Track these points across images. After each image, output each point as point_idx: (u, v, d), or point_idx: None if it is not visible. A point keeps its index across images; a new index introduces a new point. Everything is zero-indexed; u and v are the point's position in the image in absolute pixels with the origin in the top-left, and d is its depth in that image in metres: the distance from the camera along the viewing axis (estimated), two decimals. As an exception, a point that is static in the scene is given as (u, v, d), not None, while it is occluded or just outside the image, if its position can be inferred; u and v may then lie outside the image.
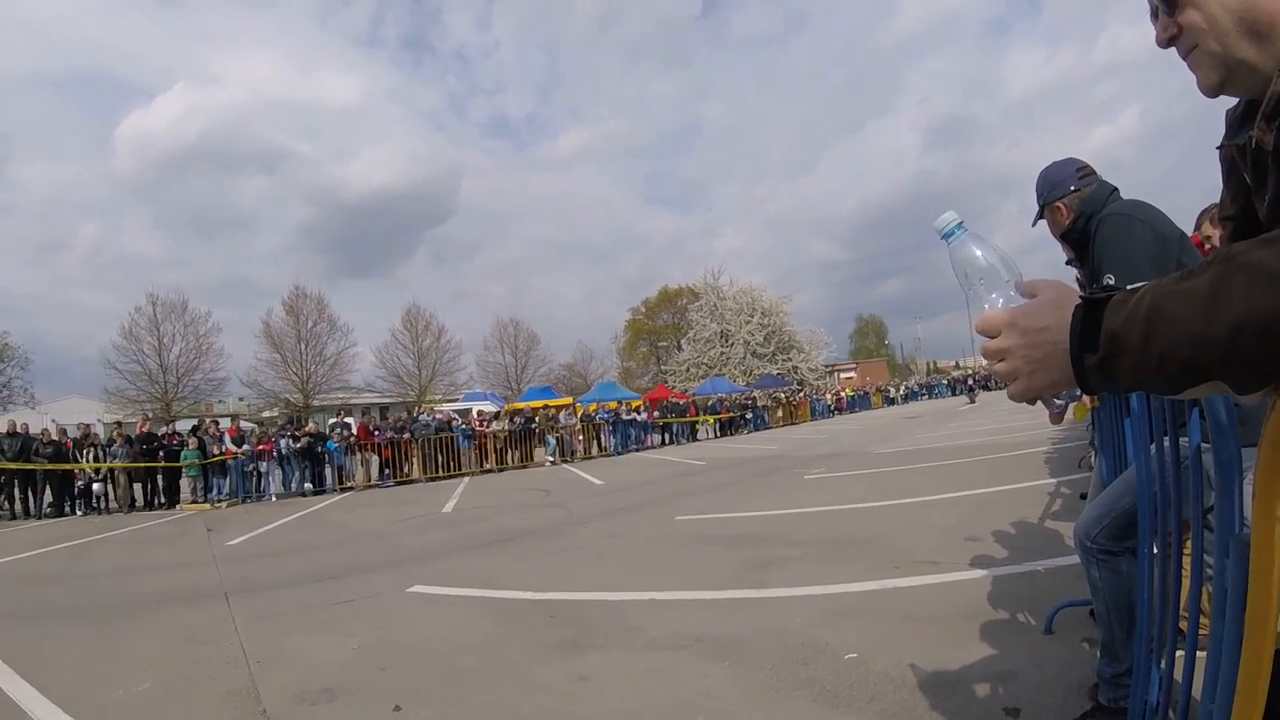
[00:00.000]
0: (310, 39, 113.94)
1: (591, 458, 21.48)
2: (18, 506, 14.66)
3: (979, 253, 0.96)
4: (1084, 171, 2.61)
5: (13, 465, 14.34)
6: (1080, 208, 2.57)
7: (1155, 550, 1.83)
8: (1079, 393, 0.86)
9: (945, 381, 54.99)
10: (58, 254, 71.76)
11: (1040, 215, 2.73)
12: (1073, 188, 2.60)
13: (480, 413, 22.18)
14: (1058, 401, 1.00)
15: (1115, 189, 2.57)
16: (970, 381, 47.61)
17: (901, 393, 49.34)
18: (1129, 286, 0.80)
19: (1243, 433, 1.34)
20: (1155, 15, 0.96)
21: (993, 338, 0.89)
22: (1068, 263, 3.05)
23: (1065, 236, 2.67)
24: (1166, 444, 1.64)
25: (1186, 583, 1.83)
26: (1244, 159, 0.95)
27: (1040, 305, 0.86)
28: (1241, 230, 1.04)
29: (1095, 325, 0.78)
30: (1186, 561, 1.88)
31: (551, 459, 20.42)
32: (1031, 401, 0.93)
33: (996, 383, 0.93)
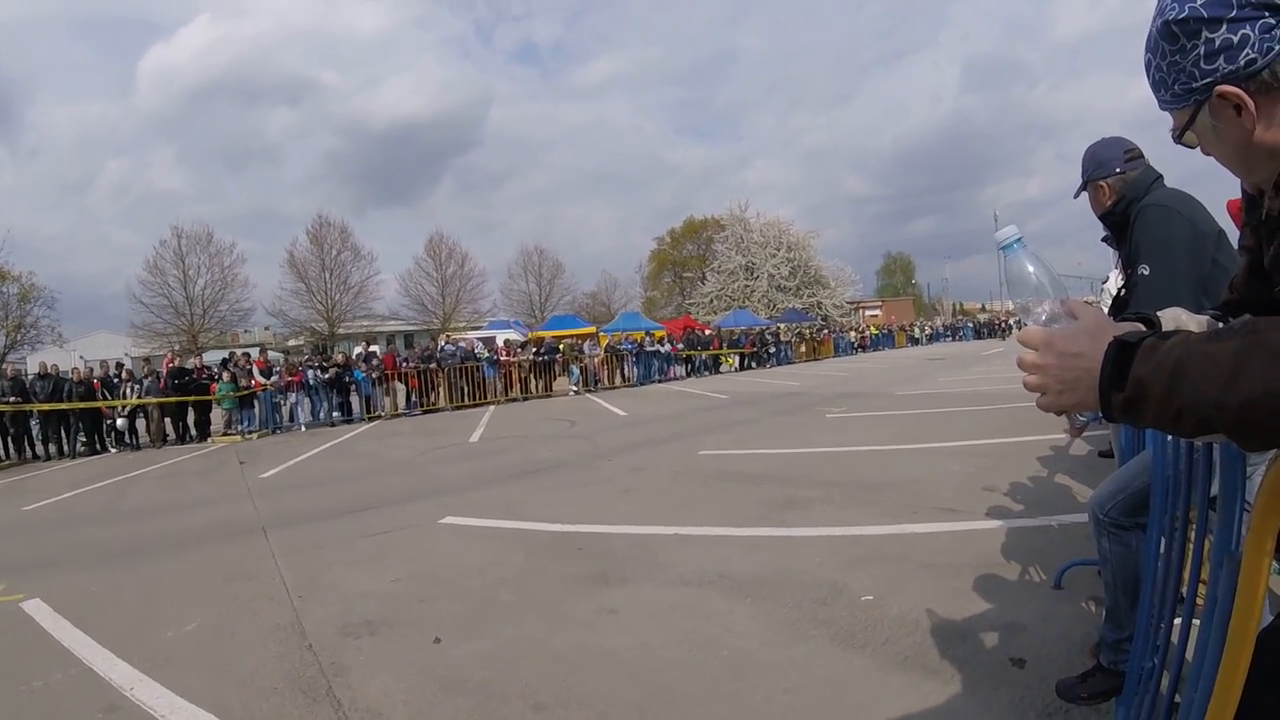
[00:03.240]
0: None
1: (615, 388, 21.75)
2: (52, 447, 14.93)
3: (1031, 269, 1.04)
4: (1131, 154, 2.63)
5: (46, 406, 14.57)
6: (1123, 190, 2.60)
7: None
8: (1100, 415, 0.96)
9: (971, 324, 54.41)
10: (84, 193, 72.43)
11: (1082, 189, 2.76)
12: (1118, 170, 2.62)
13: (509, 341, 22.45)
14: (1080, 418, 1.10)
15: (1159, 176, 2.59)
16: (1004, 324, 47.31)
17: (926, 333, 48.97)
18: (1163, 331, 0.90)
19: None
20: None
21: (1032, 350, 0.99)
22: (1103, 239, 3.08)
23: (1105, 217, 2.70)
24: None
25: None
26: (1260, 226, 1.04)
27: (1078, 331, 0.95)
28: (1256, 261, 1.13)
29: (1125, 366, 0.87)
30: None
31: (575, 389, 20.71)
32: (1058, 414, 1.03)
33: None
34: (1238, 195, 1.16)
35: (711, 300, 51.74)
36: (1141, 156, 2.64)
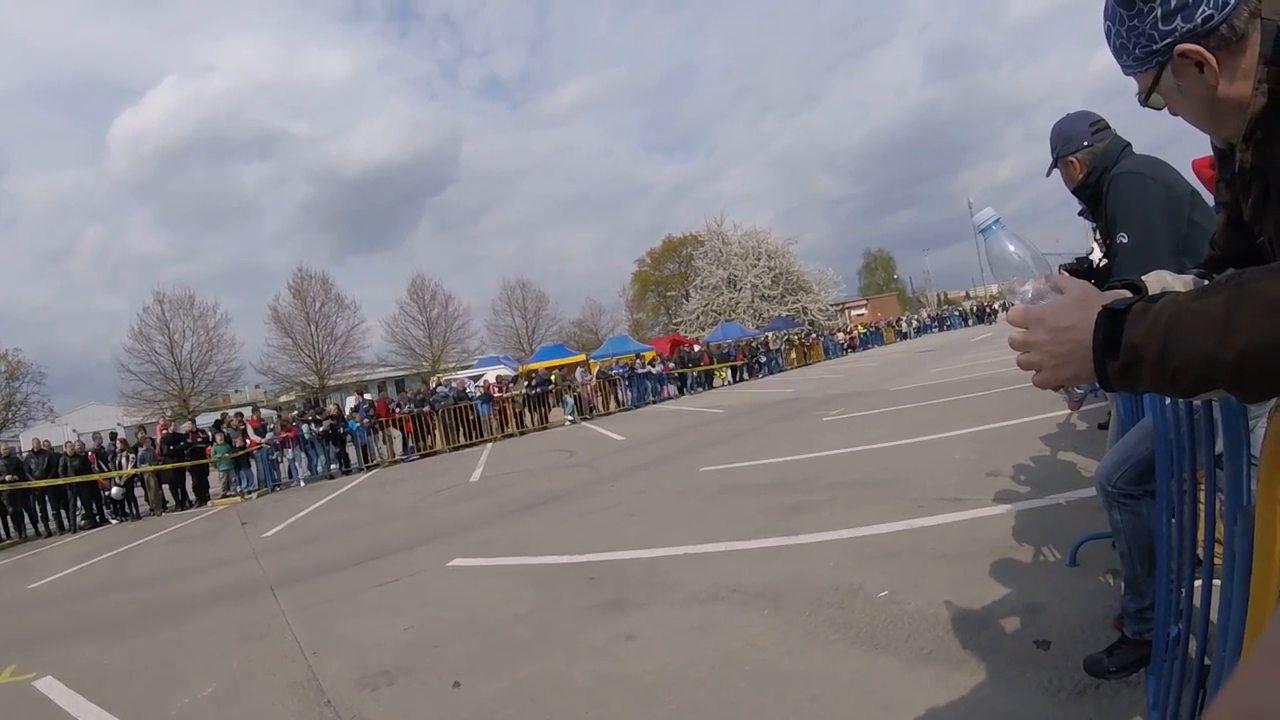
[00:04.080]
0: (294, 19, 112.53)
1: (610, 413, 21.72)
2: (51, 524, 14.73)
3: (1012, 248, 1.04)
4: (1098, 126, 2.66)
5: (43, 483, 14.42)
6: (1093, 163, 2.62)
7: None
8: (1097, 386, 0.95)
9: (957, 312, 54.71)
10: (63, 262, 72.25)
11: (1054, 166, 2.78)
12: (1086, 143, 2.64)
13: (500, 377, 22.42)
14: (1078, 391, 1.10)
15: (1128, 144, 2.62)
16: (988, 308, 47.57)
17: (914, 326, 49.21)
18: (1150, 294, 0.90)
19: None
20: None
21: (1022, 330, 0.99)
22: (1080, 213, 3.10)
23: (1078, 191, 2.72)
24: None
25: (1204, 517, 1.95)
26: (1235, 179, 1.05)
27: (1067, 304, 0.95)
28: (1235, 215, 1.14)
29: (1116, 333, 0.87)
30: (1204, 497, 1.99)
31: (571, 418, 20.66)
32: (1054, 390, 1.03)
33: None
34: (1200, 154, 1.18)
35: (698, 316, 51.89)
36: (1108, 127, 2.66)
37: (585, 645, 3.75)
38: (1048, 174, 2.83)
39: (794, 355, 33.31)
